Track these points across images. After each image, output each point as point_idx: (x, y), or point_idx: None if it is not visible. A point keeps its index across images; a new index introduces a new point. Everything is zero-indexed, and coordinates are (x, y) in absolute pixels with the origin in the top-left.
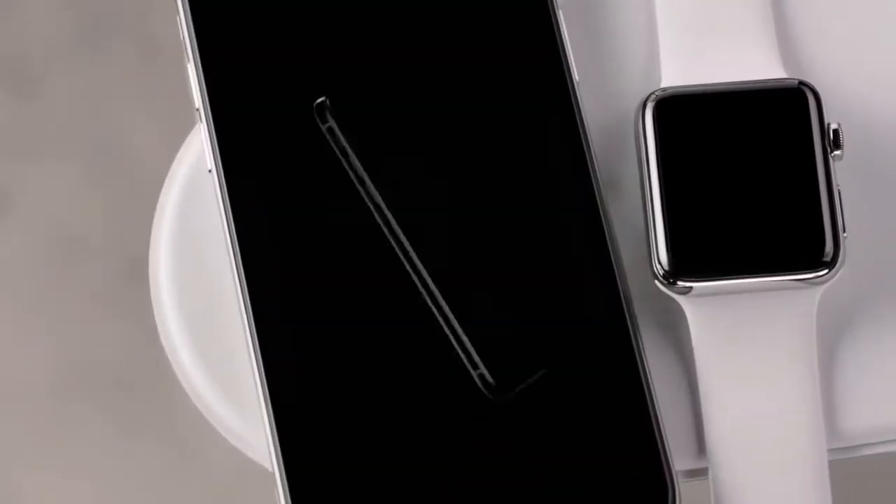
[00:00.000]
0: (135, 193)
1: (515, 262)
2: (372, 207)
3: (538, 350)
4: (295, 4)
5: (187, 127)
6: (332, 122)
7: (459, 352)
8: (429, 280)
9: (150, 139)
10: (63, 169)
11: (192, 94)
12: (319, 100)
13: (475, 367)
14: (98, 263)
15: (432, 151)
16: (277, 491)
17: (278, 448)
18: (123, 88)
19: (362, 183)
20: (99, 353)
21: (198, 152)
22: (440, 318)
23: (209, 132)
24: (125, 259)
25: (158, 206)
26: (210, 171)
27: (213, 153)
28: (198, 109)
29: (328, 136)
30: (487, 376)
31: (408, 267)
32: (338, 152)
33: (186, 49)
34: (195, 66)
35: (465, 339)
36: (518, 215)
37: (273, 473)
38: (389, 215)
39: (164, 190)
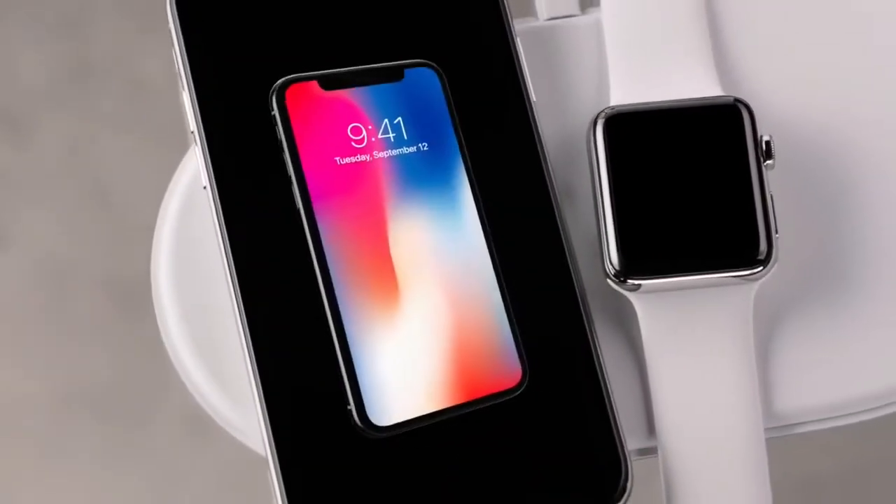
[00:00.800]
0: (122, 227)
1: (477, 266)
2: (296, 210)
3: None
4: (275, 42)
5: (169, 164)
6: (275, 111)
7: (345, 382)
8: (326, 303)
9: (134, 177)
10: (54, 207)
11: (186, 120)
12: (278, 82)
13: (347, 402)
14: (89, 291)
15: (394, 165)
16: (271, 474)
17: (270, 432)
18: (108, 130)
19: (289, 182)
20: (92, 373)
21: (193, 171)
22: (337, 347)
23: (203, 153)
24: (114, 287)
25: (159, 219)
26: (204, 187)
27: (207, 171)
28: (192, 132)
29: (274, 125)
30: (355, 415)
31: (319, 281)
32: (279, 142)
33: (182, 80)
34: (190, 94)
35: (344, 372)
36: (480, 222)
37: (266, 459)
38: (304, 219)
39: (163, 204)
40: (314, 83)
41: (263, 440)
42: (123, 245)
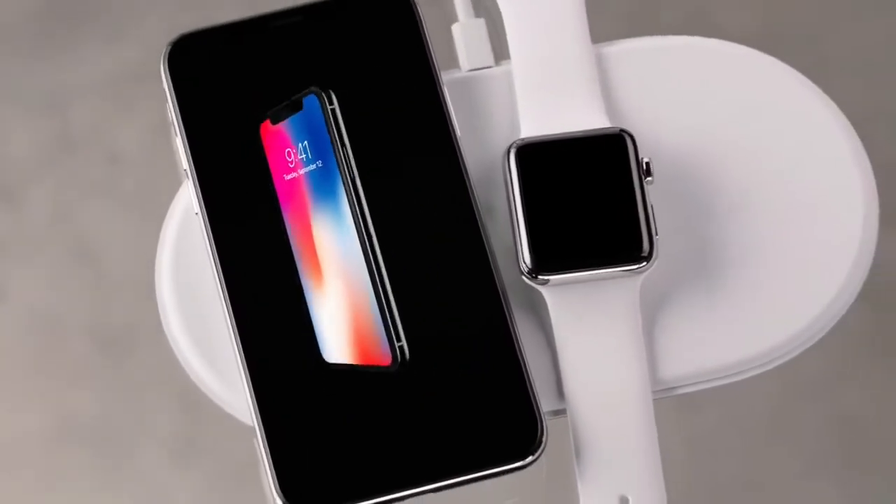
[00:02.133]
0: (104, 281)
1: (419, 271)
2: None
3: (441, 331)
4: (243, 91)
5: (144, 224)
6: (261, 142)
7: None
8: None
9: (114, 237)
10: (44, 265)
11: (179, 160)
12: (268, 113)
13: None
14: (79, 338)
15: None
16: (258, 442)
17: (257, 408)
18: (90, 197)
19: (258, 195)
20: (81, 410)
21: (185, 201)
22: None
23: (194, 186)
24: (98, 333)
25: (160, 240)
26: (196, 213)
27: (198, 201)
28: (185, 170)
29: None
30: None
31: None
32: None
33: (174, 126)
34: (182, 138)
35: (313, 316)
36: (416, 236)
37: (254, 430)
38: (290, 235)
39: (163, 227)
40: (268, 120)
41: (247, 399)
42: (106, 297)
